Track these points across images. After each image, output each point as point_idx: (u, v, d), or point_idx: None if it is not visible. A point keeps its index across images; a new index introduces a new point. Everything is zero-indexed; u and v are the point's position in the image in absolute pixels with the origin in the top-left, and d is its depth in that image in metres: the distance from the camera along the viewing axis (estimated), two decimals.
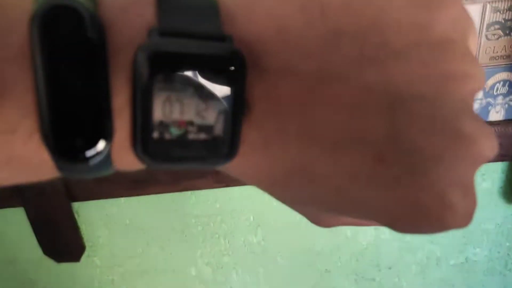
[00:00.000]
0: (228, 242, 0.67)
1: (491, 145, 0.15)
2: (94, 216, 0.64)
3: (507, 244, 0.69)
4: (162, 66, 0.13)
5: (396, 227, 0.15)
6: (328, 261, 0.69)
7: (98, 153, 0.13)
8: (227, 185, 0.60)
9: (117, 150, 0.14)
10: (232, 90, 0.14)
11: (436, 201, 0.14)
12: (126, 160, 0.14)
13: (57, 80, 0.12)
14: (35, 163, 0.14)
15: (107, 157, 0.14)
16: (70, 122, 0.13)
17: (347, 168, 0.15)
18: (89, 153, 0.13)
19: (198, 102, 0.14)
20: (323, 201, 0.16)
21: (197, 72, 0.13)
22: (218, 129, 0.14)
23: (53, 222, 0.61)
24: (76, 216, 0.63)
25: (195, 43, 0.13)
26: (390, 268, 0.71)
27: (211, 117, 0.14)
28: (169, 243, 0.67)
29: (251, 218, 0.66)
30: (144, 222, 0.65)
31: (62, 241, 0.62)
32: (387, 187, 0.15)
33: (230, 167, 0.16)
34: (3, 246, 0.66)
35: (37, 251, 0.64)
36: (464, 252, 0.70)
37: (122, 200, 0.63)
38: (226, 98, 0.14)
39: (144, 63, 0.13)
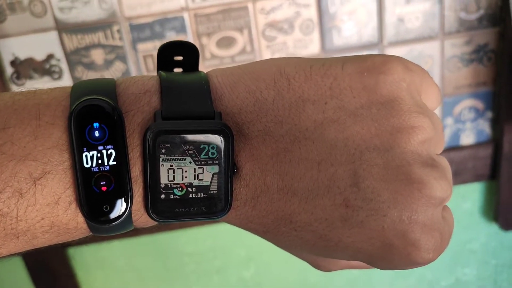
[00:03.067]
0: (222, 278, 0.68)
1: (440, 187, 0.17)
2: (89, 260, 0.65)
3: (494, 261, 0.70)
4: (164, 141, 0.17)
5: (374, 264, 0.18)
6: None
7: (121, 215, 0.17)
8: (216, 222, 0.62)
9: (135, 211, 0.18)
10: (223, 156, 0.17)
11: (399, 239, 0.17)
12: (143, 218, 0.18)
13: (87, 161, 0.16)
14: (71, 227, 0.17)
15: (128, 217, 0.17)
16: (100, 194, 0.17)
17: (322, 214, 0.17)
18: (115, 215, 0.17)
19: (195, 167, 0.17)
20: (310, 245, 0.19)
21: (194, 145, 0.17)
22: (214, 188, 0.18)
23: (49, 268, 0.63)
24: (71, 261, 0.65)
25: (190, 123, 0.17)
26: None
27: (207, 178, 0.18)
28: (163, 282, 0.68)
29: (243, 252, 0.67)
30: (138, 263, 0.67)
31: (58, 286, 0.63)
32: (357, 229, 0.17)
33: (228, 219, 0.19)
34: None
35: None
36: (453, 273, 0.71)
37: (116, 242, 0.64)
38: (218, 162, 0.18)
39: (151, 140, 0.17)
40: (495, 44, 0.57)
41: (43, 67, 0.54)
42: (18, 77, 0.54)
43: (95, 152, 0.17)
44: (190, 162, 0.17)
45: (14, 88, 0.54)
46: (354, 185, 0.17)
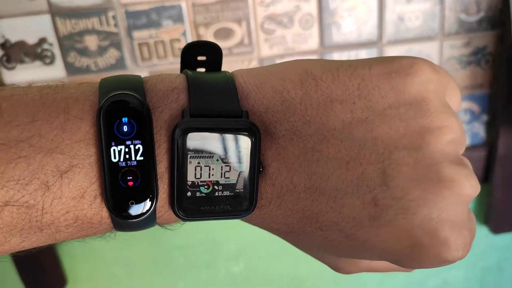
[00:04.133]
0: (211, 273, 0.68)
1: (469, 184, 0.17)
2: (76, 250, 0.64)
3: (481, 264, 0.71)
4: (194, 139, 0.17)
5: (401, 264, 0.18)
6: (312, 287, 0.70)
7: (146, 211, 0.17)
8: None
9: (159, 208, 0.18)
10: (250, 154, 0.18)
11: (429, 237, 0.17)
12: (166, 215, 0.18)
13: (115, 156, 0.16)
14: (95, 221, 0.17)
15: (153, 213, 0.17)
16: (126, 189, 0.17)
17: (350, 213, 0.17)
18: (140, 211, 0.17)
19: (222, 165, 0.18)
20: (335, 245, 0.18)
21: (221, 142, 0.17)
22: (240, 187, 0.18)
23: (35, 256, 0.62)
24: (58, 250, 0.64)
25: (218, 121, 0.17)
26: None
27: (234, 177, 0.18)
28: (151, 275, 0.67)
29: (233, 247, 0.67)
30: (126, 255, 0.66)
31: (44, 276, 0.62)
32: (386, 228, 0.17)
33: (251, 219, 0.19)
34: None
35: (19, 286, 0.63)
36: (441, 274, 0.71)
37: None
38: (245, 161, 0.18)
39: (180, 137, 0.17)
40: (494, 47, 0.57)
41: (35, 51, 0.53)
42: (8, 61, 0.53)
43: (123, 147, 0.17)
44: (217, 160, 0.17)
45: (4, 72, 0.53)
46: (384, 184, 0.17)
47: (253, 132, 0.17)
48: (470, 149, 0.61)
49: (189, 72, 0.19)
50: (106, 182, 0.16)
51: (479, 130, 0.61)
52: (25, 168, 0.16)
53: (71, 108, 0.17)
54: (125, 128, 0.17)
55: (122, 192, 0.17)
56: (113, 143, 0.16)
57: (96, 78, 0.54)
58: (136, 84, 0.18)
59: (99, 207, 0.17)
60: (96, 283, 0.66)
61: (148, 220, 0.17)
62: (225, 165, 0.18)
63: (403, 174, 0.17)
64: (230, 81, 0.18)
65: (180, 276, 0.68)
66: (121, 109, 0.17)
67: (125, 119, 0.17)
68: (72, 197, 0.16)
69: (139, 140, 0.17)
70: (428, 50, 0.56)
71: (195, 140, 0.17)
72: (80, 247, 0.64)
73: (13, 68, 0.53)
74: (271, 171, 0.18)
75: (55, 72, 0.53)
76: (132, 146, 0.17)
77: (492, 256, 0.70)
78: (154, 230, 0.66)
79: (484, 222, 0.67)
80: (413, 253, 0.17)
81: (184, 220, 0.18)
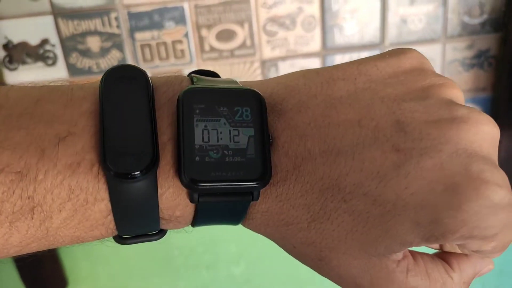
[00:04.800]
0: (211, 274, 0.68)
1: (486, 119, 0.17)
2: (76, 250, 0.65)
3: None
4: (199, 101, 0.17)
5: (444, 223, 0.15)
6: None
7: (145, 170, 0.15)
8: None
9: (161, 181, 0.16)
10: (258, 118, 0.17)
11: (462, 175, 0.15)
12: (171, 192, 0.16)
13: (114, 115, 0.16)
14: (90, 195, 0.16)
15: (153, 182, 0.16)
16: (127, 149, 0.16)
17: (373, 166, 0.16)
18: (136, 172, 0.15)
19: (230, 129, 0.17)
20: (364, 222, 0.16)
21: (227, 105, 0.17)
22: (250, 152, 0.17)
23: (35, 256, 0.62)
24: (58, 249, 0.64)
25: (223, 86, 0.18)
26: None
27: (243, 141, 0.17)
28: (151, 275, 0.67)
29: (234, 248, 0.67)
30: (126, 255, 0.66)
31: (44, 275, 0.63)
32: (414, 173, 0.16)
33: (266, 206, 0.17)
34: None
35: (19, 285, 0.64)
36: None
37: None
38: (254, 125, 0.17)
39: (186, 99, 0.17)
40: (497, 49, 0.57)
41: (37, 52, 0.53)
42: (10, 61, 0.53)
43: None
44: (224, 124, 0.17)
45: (6, 73, 0.53)
46: (400, 130, 0.16)
47: (258, 97, 0.17)
48: None
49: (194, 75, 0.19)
50: (103, 143, 0.16)
51: None
52: (24, 135, 0.15)
53: (75, 90, 0.17)
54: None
55: (122, 153, 0.16)
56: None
57: (98, 79, 0.54)
58: (141, 71, 0.17)
59: (96, 175, 0.16)
60: (96, 282, 0.67)
61: (147, 190, 0.16)
62: (233, 129, 0.17)
63: (416, 119, 0.16)
64: (234, 80, 0.19)
65: (181, 277, 0.68)
66: (123, 77, 0.17)
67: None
68: (68, 163, 0.15)
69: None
70: (431, 53, 0.56)
71: (201, 103, 0.17)
72: (80, 246, 0.64)
73: (15, 69, 0.53)
74: (283, 140, 0.17)
75: (57, 73, 0.53)
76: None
77: (494, 260, 0.70)
78: None
79: None
80: (451, 199, 0.15)
81: (193, 189, 0.16)
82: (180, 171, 0.16)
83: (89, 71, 0.54)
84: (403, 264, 0.17)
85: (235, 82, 0.19)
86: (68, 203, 0.16)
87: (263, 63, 0.55)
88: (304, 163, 0.17)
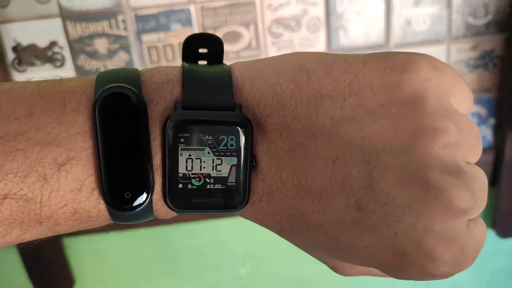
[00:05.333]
0: (217, 275, 0.68)
1: (461, 196, 0.16)
2: (84, 251, 0.65)
3: (489, 267, 0.71)
4: (184, 131, 0.17)
5: (387, 273, 0.17)
6: None
7: (142, 203, 0.17)
8: (215, 218, 0.62)
9: (156, 201, 0.18)
10: (243, 148, 0.18)
11: (413, 248, 0.16)
12: (163, 208, 0.18)
13: (112, 148, 0.17)
14: (93, 214, 0.17)
15: (149, 205, 0.18)
16: (122, 179, 0.17)
17: (334, 215, 0.17)
18: (136, 203, 0.17)
19: (214, 158, 0.18)
20: (324, 247, 0.18)
21: (213, 135, 0.17)
22: (232, 180, 0.18)
23: (43, 256, 0.62)
24: (66, 250, 0.64)
25: (210, 113, 0.17)
26: None
27: (225, 170, 0.18)
28: (157, 276, 0.68)
29: (240, 249, 0.67)
30: (133, 256, 0.66)
31: (52, 276, 0.63)
32: (369, 233, 0.17)
33: (244, 214, 0.19)
34: None
35: (28, 286, 0.64)
36: (449, 278, 0.71)
37: (111, 234, 0.64)
38: (237, 154, 0.18)
39: (171, 129, 0.17)
40: (501, 50, 0.57)
41: (45, 54, 0.53)
42: (19, 63, 0.54)
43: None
44: (208, 153, 0.17)
45: (15, 74, 0.54)
46: (368, 187, 0.16)
47: (246, 125, 0.17)
48: None
49: (186, 64, 0.19)
50: (102, 174, 0.17)
51: (487, 133, 0.61)
52: (23, 161, 0.16)
53: (67, 101, 0.17)
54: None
55: (118, 184, 0.17)
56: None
57: None
58: (133, 76, 0.18)
59: (97, 199, 0.17)
60: (103, 284, 0.67)
61: (145, 212, 0.18)
62: (217, 158, 0.18)
63: (389, 178, 0.16)
64: (226, 74, 0.18)
65: (187, 277, 0.68)
66: (116, 102, 0.17)
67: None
68: (70, 189, 0.17)
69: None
70: (435, 54, 0.56)
71: (186, 132, 0.17)
72: (87, 247, 0.65)
73: (24, 71, 0.54)
74: (262, 166, 0.18)
75: (65, 75, 0.54)
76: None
77: (500, 260, 0.70)
78: (161, 231, 0.66)
79: (491, 227, 0.67)
80: (397, 263, 0.17)
81: (177, 212, 0.18)
82: (165, 197, 0.18)
83: (96, 73, 0.54)
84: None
85: (228, 85, 0.18)
86: (72, 217, 0.17)
87: None
88: (277, 191, 0.18)
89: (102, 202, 0.17)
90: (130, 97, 0.17)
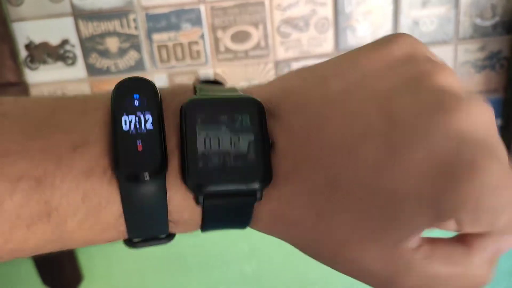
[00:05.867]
0: (223, 272, 0.68)
1: (477, 101, 0.17)
2: (92, 247, 0.66)
3: None
4: (200, 111, 0.18)
5: (440, 202, 0.16)
6: None
7: (156, 177, 0.17)
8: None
9: (170, 185, 0.17)
10: (258, 124, 0.18)
11: (455, 154, 0.15)
12: (179, 196, 0.17)
13: (126, 124, 0.17)
14: (103, 198, 0.17)
15: (163, 185, 0.17)
16: (138, 155, 0.17)
17: (368, 162, 0.16)
18: (148, 176, 0.16)
19: (231, 135, 0.18)
20: (361, 208, 0.17)
21: (227, 114, 0.18)
22: (251, 156, 0.18)
23: (52, 253, 0.63)
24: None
25: (224, 95, 0.19)
26: None
27: (244, 147, 0.18)
28: (165, 273, 0.68)
29: (246, 247, 0.67)
30: (141, 253, 0.67)
31: (60, 272, 0.64)
32: (409, 164, 0.16)
33: (264, 208, 0.18)
34: (1, 278, 0.67)
35: (36, 281, 0.65)
36: None
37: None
38: (253, 131, 0.18)
39: (188, 109, 0.18)
40: (509, 51, 0.57)
41: (57, 52, 0.54)
42: (32, 61, 0.54)
43: (133, 117, 0.17)
44: (225, 131, 0.18)
45: (27, 72, 0.55)
46: (391, 125, 0.16)
47: (257, 103, 0.18)
48: None
49: (198, 85, 0.20)
50: (116, 148, 0.17)
51: None
52: (41, 144, 0.16)
53: (89, 101, 0.18)
54: (136, 103, 0.17)
55: (132, 157, 0.17)
56: (124, 113, 0.17)
57: (116, 79, 0.55)
58: (149, 82, 0.19)
59: (109, 180, 0.17)
60: (112, 279, 0.68)
61: (157, 194, 0.17)
62: (234, 135, 0.18)
63: (407, 112, 0.16)
64: (234, 87, 0.20)
65: (193, 275, 0.68)
66: (133, 87, 0.18)
67: (136, 96, 0.18)
68: (84, 170, 0.16)
69: (149, 111, 0.17)
70: (443, 55, 0.57)
71: (201, 113, 0.18)
72: (97, 245, 0.65)
73: (36, 68, 0.55)
74: (281, 144, 0.18)
75: (76, 73, 0.55)
76: (142, 116, 0.17)
77: (504, 261, 0.70)
78: None
79: None
80: (447, 183, 0.15)
81: (197, 193, 0.17)
82: (185, 177, 0.17)
83: (107, 71, 0.55)
84: (420, 252, 0.17)
85: (235, 90, 0.20)
86: (82, 206, 0.17)
87: (277, 64, 0.56)
88: (301, 165, 0.17)
89: (114, 183, 0.17)
90: (145, 83, 0.18)
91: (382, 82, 0.17)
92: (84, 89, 0.56)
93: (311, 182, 0.17)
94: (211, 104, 0.18)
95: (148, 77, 0.59)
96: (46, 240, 0.17)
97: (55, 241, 0.17)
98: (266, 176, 0.17)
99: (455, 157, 0.15)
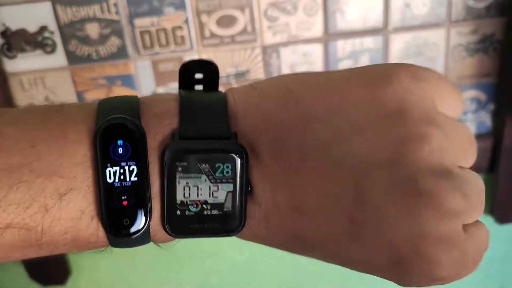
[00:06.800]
0: (215, 262, 0.68)
1: (452, 199, 0.16)
2: None
3: (486, 253, 0.71)
4: (181, 160, 0.18)
5: (390, 280, 0.18)
6: (315, 279, 0.70)
7: (141, 229, 0.18)
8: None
9: (154, 226, 0.18)
10: (238, 175, 0.18)
11: (411, 255, 0.16)
12: (161, 234, 0.19)
13: (110, 177, 0.17)
14: (92, 240, 0.18)
15: (147, 231, 0.18)
16: (121, 208, 0.18)
17: (330, 231, 0.17)
18: (134, 229, 0.18)
19: (210, 185, 0.18)
20: (328, 261, 0.19)
21: (209, 163, 0.18)
22: (228, 206, 0.18)
23: None
24: None
25: (206, 143, 0.18)
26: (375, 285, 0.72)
27: (222, 196, 0.18)
28: (154, 264, 0.67)
29: (236, 237, 0.67)
30: None
31: (47, 265, 0.63)
32: (367, 246, 0.17)
33: (244, 237, 0.20)
34: None
35: (23, 275, 0.64)
36: None
37: None
38: (233, 181, 0.18)
39: (169, 158, 0.18)
40: (502, 34, 0.56)
41: (36, 40, 0.52)
42: (9, 49, 0.52)
43: (118, 168, 0.17)
44: (205, 180, 0.18)
45: (5, 61, 0.53)
46: (360, 202, 0.17)
47: (241, 153, 0.18)
48: (476, 138, 0.60)
49: (182, 93, 0.20)
50: (101, 202, 0.17)
51: (486, 119, 0.61)
52: (26, 192, 0.17)
53: (70, 132, 0.18)
54: (120, 150, 0.17)
55: (116, 211, 0.17)
56: (108, 165, 0.17)
57: (98, 67, 0.53)
58: (133, 107, 0.18)
59: (96, 226, 0.18)
60: (99, 272, 0.67)
61: (142, 238, 0.18)
62: (213, 185, 0.18)
63: (379, 190, 0.16)
64: (222, 102, 0.19)
65: (184, 266, 0.68)
66: (116, 132, 0.17)
67: (120, 142, 0.17)
68: (70, 218, 0.17)
69: (133, 161, 0.17)
70: (435, 38, 0.55)
71: (183, 161, 0.18)
72: None
73: (14, 57, 0.53)
74: (257, 191, 0.18)
75: (56, 61, 0.53)
76: (126, 167, 0.17)
77: (497, 247, 0.70)
78: None
79: (490, 213, 0.66)
80: (398, 271, 0.17)
81: (175, 237, 0.19)
82: (163, 223, 0.18)
83: (88, 59, 0.53)
84: None
85: (222, 100, 0.19)
86: (72, 243, 0.18)
87: (265, 49, 0.54)
88: (273, 214, 0.18)
89: (101, 229, 0.18)
90: (130, 128, 0.18)
91: (363, 143, 0.17)
92: (65, 77, 0.54)
93: (278, 230, 0.19)
94: (193, 154, 0.18)
95: (131, 64, 0.57)
96: (38, 255, 0.19)
97: (45, 254, 0.19)
98: (239, 227, 0.19)
99: (410, 256, 0.16)
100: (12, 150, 0.17)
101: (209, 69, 0.20)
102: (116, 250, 0.67)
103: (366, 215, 0.16)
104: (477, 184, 0.17)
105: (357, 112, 0.17)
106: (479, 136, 0.61)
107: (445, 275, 0.16)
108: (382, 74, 0.17)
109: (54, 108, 0.19)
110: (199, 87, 0.21)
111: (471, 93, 0.59)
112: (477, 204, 0.17)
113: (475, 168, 0.60)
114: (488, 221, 0.68)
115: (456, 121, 0.18)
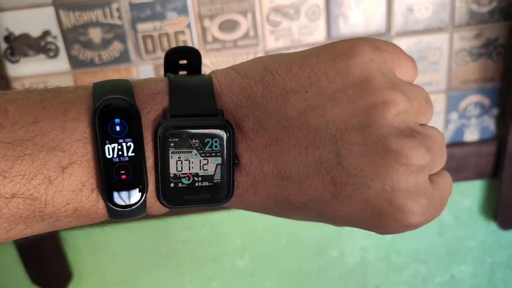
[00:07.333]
0: (216, 267, 0.68)
1: (415, 155, 0.19)
2: (81, 244, 0.64)
3: (490, 260, 0.70)
4: (173, 136, 0.19)
5: (371, 231, 0.20)
6: (316, 283, 0.70)
7: (138, 201, 0.19)
8: (213, 210, 0.61)
9: (149, 198, 0.20)
10: (225, 149, 0.20)
11: (386, 206, 0.19)
12: (156, 206, 0.20)
13: (109, 153, 0.19)
14: (92, 212, 0.19)
15: (143, 203, 0.20)
16: (120, 181, 0.19)
17: (314, 194, 0.20)
18: (132, 201, 0.19)
19: (200, 159, 0.20)
20: (314, 219, 0.21)
21: (199, 138, 0.20)
22: (217, 178, 0.20)
23: (40, 250, 0.62)
24: (63, 243, 0.64)
25: (195, 119, 0.20)
26: (377, 287, 0.71)
27: (211, 169, 0.20)
28: (156, 269, 0.67)
29: (238, 242, 0.66)
30: (131, 249, 0.66)
31: (49, 269, 0.62)
32: (347, 203, 0.19)
33: (234, 205, 0.21)
34: None
35: (25, 279, 0.64)
36: (448, 270, 0.71)
37: (109, 227, 0.63)
38: (221, 154, 0.20)
39: (162, 134, 0.19)
40: (506, 39, 0.56)
41: (39, 44, 0.52)
42: (12, 54, 0.52)
43: (116, 145, 0.19)
44: (196, 154, 0.20)
45: (8, 65, 0.53)
46: (339, 164, 0.19)
47: (227, 128, 0.19)
48: (479, 143, 0.60)
49: (171, 76, 0.21)
50: (102, 175, 0.18)
51: (490, 124, 0.60)
52: (30, 164, 0.18)
53: (69, 110, 0.19)
54: (118, 128, 0.19)
55: (116, 184, 0.19)
56: (107, 142, 0.18)
57: (100, 71, 0.54)
58: (126, 88, 0.20)
59: (96, 198, 0.19)
60: (101, 276, 0.67)
61: (139, 209, 0.20)
62: (203, 159, 0.20)
63: (355, 152, 0.19)
64: (207, 83, 0.20)
65: (186, 270, 0.67)
66: (113, 111, 0.19)
67: (117, 120, 0.19)
68: (72, 190, 0.18)
69: (130, 138, 0.19)
70: (438, 42, 0.55)
71: (175, 137, 0.19)
72: (85, 240, 0.64)
73: (17, 61, 0.53)
74: (244, 162, 0.20)
75: (59, 66, 0.53)
76: (124, 144, 0.19)
77: (501, 252, 0.70)
78: (160, 224, 0.65)
79: (493, 218, 0.66)
80: (376, 221, 0.19)
81: (169, 208, 0.20)
82: (158, 195, 0.20)
83: (91, 63, 0.53)
84: None
85: (208, 82, 0.20)
86: (73, 214, 0.19)
87: (267, 53, 0.54)
88: (260, 182, 0.20)
89: (100, 201, 0.19)
90: (126, 108, 0.19)
91: (337, 109, 0.19)
92: (68, 82, 0.54)
93: (267, 197, 0.20)
94: (184, 130, 0.19)
95: (134, 69, 0.57)
96: (41, 231, 0.20)
97: (48, 230, 0.20)
98: (227, 196, 0.20)
99: (385, 207, 0.19)
100: (16, 125, 0.18)
101: (192, 55, 0.22)
102: (118, 252, 0.67)
103: (345, 176, 0.19)
104: (438, 138, 0.20)
105: (328, 82, 0.19)
106: (482, 142, 0.60)
107: (417, 221, 0.19)
108: (348, 47, 0.20)
109: (52, 90, 0.20)
110: (183, 72, 0.22)
111: (475, 98, 0.59)
112: (439, 156, 0.20)
113: (478, 173, 0.60)
114: (491, 227, 0.67)
115: (413, 84, 0.21)
